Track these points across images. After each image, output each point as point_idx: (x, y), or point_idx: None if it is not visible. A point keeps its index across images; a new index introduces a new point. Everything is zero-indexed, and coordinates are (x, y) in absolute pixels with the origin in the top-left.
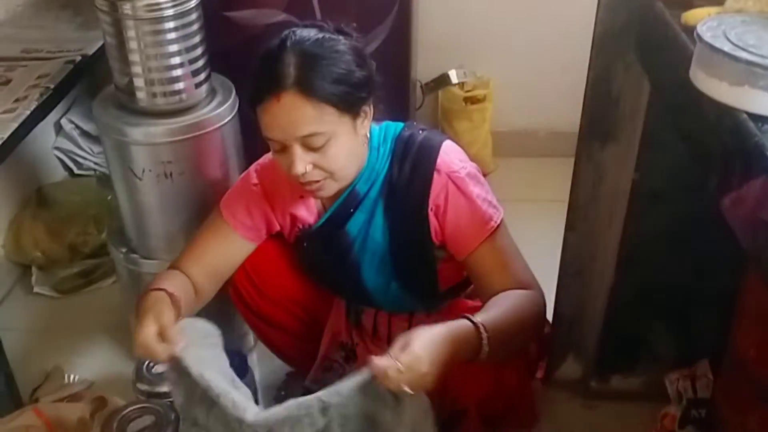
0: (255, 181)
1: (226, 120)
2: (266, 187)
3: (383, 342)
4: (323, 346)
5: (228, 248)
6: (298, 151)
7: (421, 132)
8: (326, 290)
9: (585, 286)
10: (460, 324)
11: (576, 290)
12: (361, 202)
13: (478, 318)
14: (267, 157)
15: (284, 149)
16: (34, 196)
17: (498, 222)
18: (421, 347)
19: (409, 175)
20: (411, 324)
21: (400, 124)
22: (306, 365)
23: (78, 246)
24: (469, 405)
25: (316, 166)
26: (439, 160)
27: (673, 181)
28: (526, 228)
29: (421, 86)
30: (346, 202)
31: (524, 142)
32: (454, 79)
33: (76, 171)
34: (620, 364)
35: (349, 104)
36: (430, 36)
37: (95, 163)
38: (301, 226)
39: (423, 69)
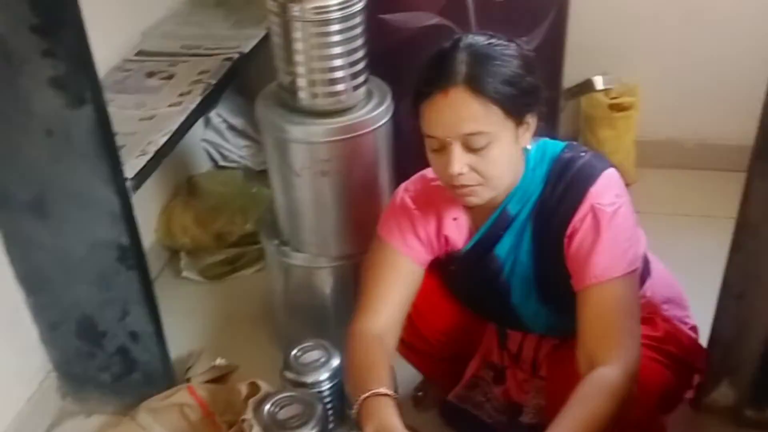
0: (412, 205)
1: (381, 122)
2: (423, 210)
3: (527, 365)
4: (472, 365)
5: (407, 279)
6: (457, 149)
7: (582, 155)
8: (475, 314)
9: (747, 308)
10: None
11: (737, 313)
12: (511, 224)
13: None
14: (413, 182)
15: (443, 148)
16: (185, 185)
17: (618, 274)
18: None
19: (559, 198)
20: (560, 347)
21: (560, 144)
22: (446, 381)
23: (224, 235)
24: None
25: (472, 168)
26: (592, 189)
27: None
28: (667, 242)
29: (563, 92)
30: (497, 224)
31: (670, 153)
32: (599, 86)
33: (221, 163)
34: None
35: (515, 108)
36: (575, 40)
37: (239, 156)
38: (450, 249)
39: (565, 74)
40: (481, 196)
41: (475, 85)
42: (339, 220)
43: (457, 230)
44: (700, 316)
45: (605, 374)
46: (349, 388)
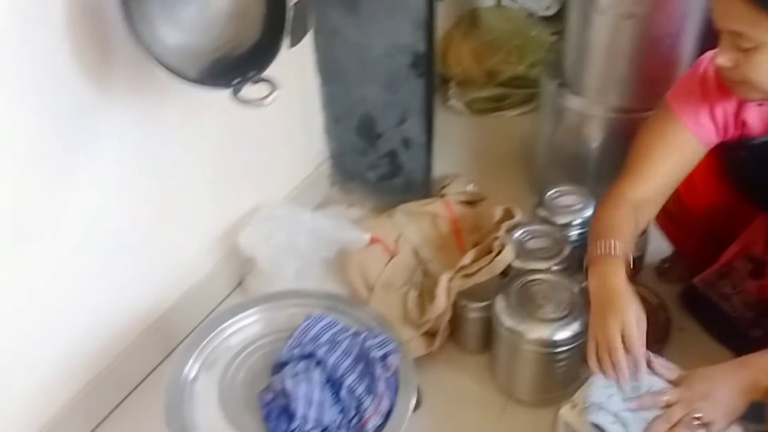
0: (715, 79)
1: None
2: (723, 85)
3: None
4: (730, 251)
5: (686, 158)
6: (726, 42)
7: None
8: (750, 201)
9: None
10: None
11: None
12: None
13: None
14: None
15: (719, 35)
16: (467, 17)
17: None
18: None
19: None
20: None
21: None
22: (696, 260)
23: (496, 72)
24: None
25: (737, 65)
26: None
27: None
28: None
29: None
30: None
31: None
32: None
33: (503, 2)
34: None
35: None
36: None
37: None
38: (744, 133)
39: None
40: (747, 94)
41: None
42: (630, 69)
43: (759, 116)
44: None
45: None
46: (588, 242)
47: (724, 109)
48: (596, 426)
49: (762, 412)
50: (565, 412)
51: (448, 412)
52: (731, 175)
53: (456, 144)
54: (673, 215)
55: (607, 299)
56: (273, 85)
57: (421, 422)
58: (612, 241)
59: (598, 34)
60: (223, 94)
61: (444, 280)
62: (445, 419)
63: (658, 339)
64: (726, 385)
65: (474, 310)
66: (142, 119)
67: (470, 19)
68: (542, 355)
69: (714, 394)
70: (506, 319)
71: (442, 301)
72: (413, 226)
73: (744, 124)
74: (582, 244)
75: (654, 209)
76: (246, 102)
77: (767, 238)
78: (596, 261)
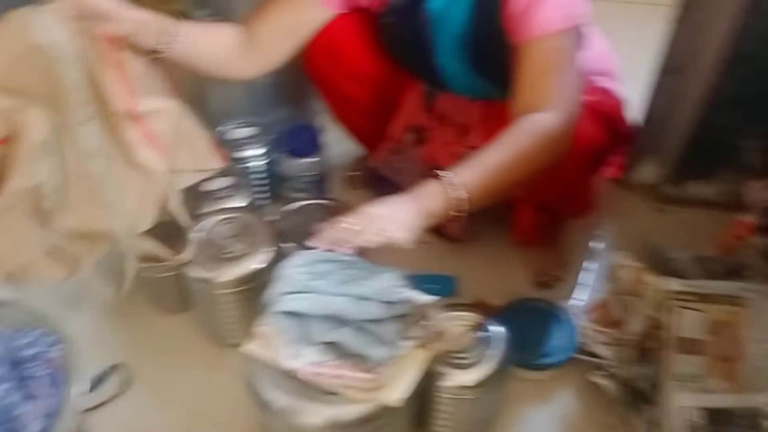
0: None
1: None
2: None
3: (453, 128)
4: (394, 126)
5: (305, 13)
6: None
7: None
8: (403, 71)
9: (681, 85)
10: (429, 187)
11: (671, 90)
12: None
13: (460, 176)
14: None
15: None
16: None
17: (559, 27)
18: (370, 208)
19: None
20: (487, 111)
21: None
22: (375, 146)
23: None
24: (520, 193)
25: None
26: None
27: None
28: (622, 29)
29: None
30: None
31: None
32: None
33: None
34: (700, 170)
35: None
36: None
37: None
38: (382, 2)
39: None
40: None
41: None
42: None
43: None
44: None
45: (539, 116)
46: None
47: None
48: (285, 314)
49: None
50: (248, 346)
51: (166, 380)
52: (383, 44)
53: None
54: (335, 84)
55: None
56: None
57: (138, 398)
58: None
59: None
60: None
61: None
62: (162, 389)
63: None
64: (403, 208)
65: (160, 270)
66: None
67: None
68: (238, 294)
69: (393, 215)
70: (194, 271)
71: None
72: None
73: None
74: (269, 175)
75: (272, 51)
76: None
77: (425, 106)
78: None
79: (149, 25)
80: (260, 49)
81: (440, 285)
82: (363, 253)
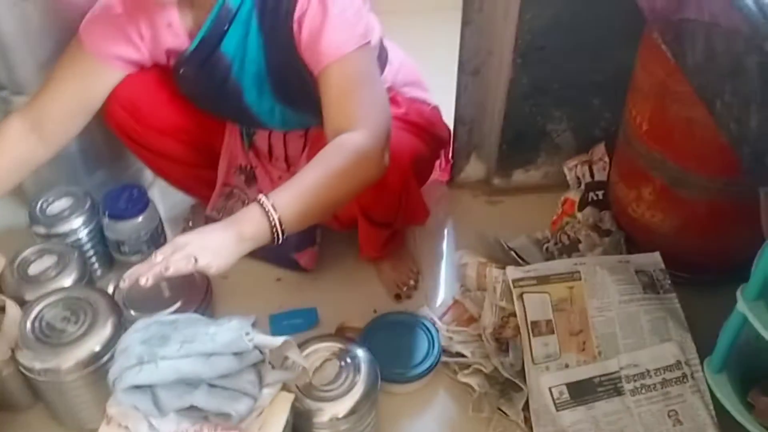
0: (119, 9)
1: None
2: (130, 12)
3: (281, 162)
4: (221, 172)
5: (91, 81)
6: None
7: None
8: (213, 116)
9: (484, 84)
10: (244, 211)
11: (475, 89)
12: (234, 17)
13: (275, 198)
14: None
15: None
16: None
17: (352, 48)
18: (181, 236)
19: None
20: (307, 139)
21: None
22: (206, 194)
23: None
24: (356, 212)
25: None
26: None
27: None
28: (420, 39)
29: None
30: (219, 19)
31: None
32: None
33: None
34: (520, 159)
35: None
36: None
37: None
38: (175, 55)
39: None
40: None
41: None
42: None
43: (173, 36)
44: (444, 104)
45: (348, 136)
46: None
47: (132, 39)
48: (133, 389)
49: None
50: (103, 429)
51: None
52: (188, 96)
53: None
54: (148, 144)
55: None
56: None
57: None
58: None
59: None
60: None
61: None
62: None
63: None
64: (216, 236)
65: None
66: None
67: None
68: (86, 377)
69: (205, 242)
70: (31, 363)
71: None
72: None
73: (169, 51)
74: (99, 241)
75: (65, 130)
76: None
77: (244, 146)
78: None
79: None
80: (47, 130)
81: (302, 318)
82: (170, 282)
